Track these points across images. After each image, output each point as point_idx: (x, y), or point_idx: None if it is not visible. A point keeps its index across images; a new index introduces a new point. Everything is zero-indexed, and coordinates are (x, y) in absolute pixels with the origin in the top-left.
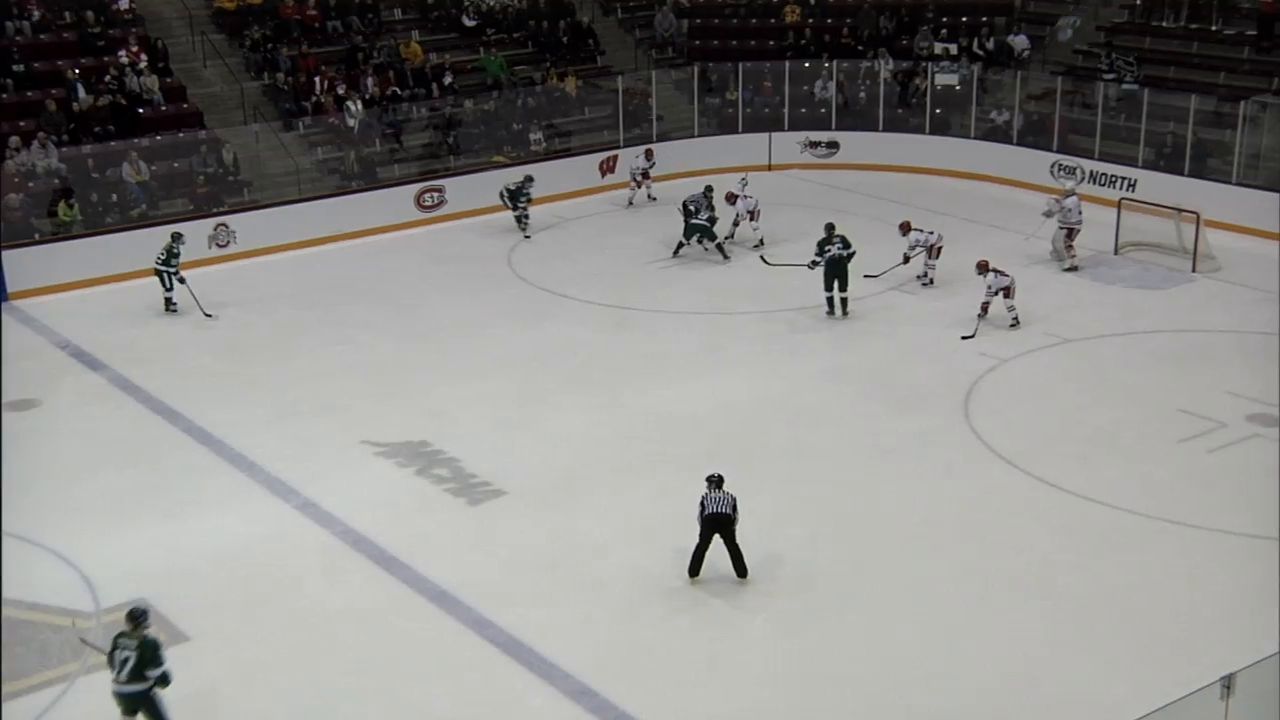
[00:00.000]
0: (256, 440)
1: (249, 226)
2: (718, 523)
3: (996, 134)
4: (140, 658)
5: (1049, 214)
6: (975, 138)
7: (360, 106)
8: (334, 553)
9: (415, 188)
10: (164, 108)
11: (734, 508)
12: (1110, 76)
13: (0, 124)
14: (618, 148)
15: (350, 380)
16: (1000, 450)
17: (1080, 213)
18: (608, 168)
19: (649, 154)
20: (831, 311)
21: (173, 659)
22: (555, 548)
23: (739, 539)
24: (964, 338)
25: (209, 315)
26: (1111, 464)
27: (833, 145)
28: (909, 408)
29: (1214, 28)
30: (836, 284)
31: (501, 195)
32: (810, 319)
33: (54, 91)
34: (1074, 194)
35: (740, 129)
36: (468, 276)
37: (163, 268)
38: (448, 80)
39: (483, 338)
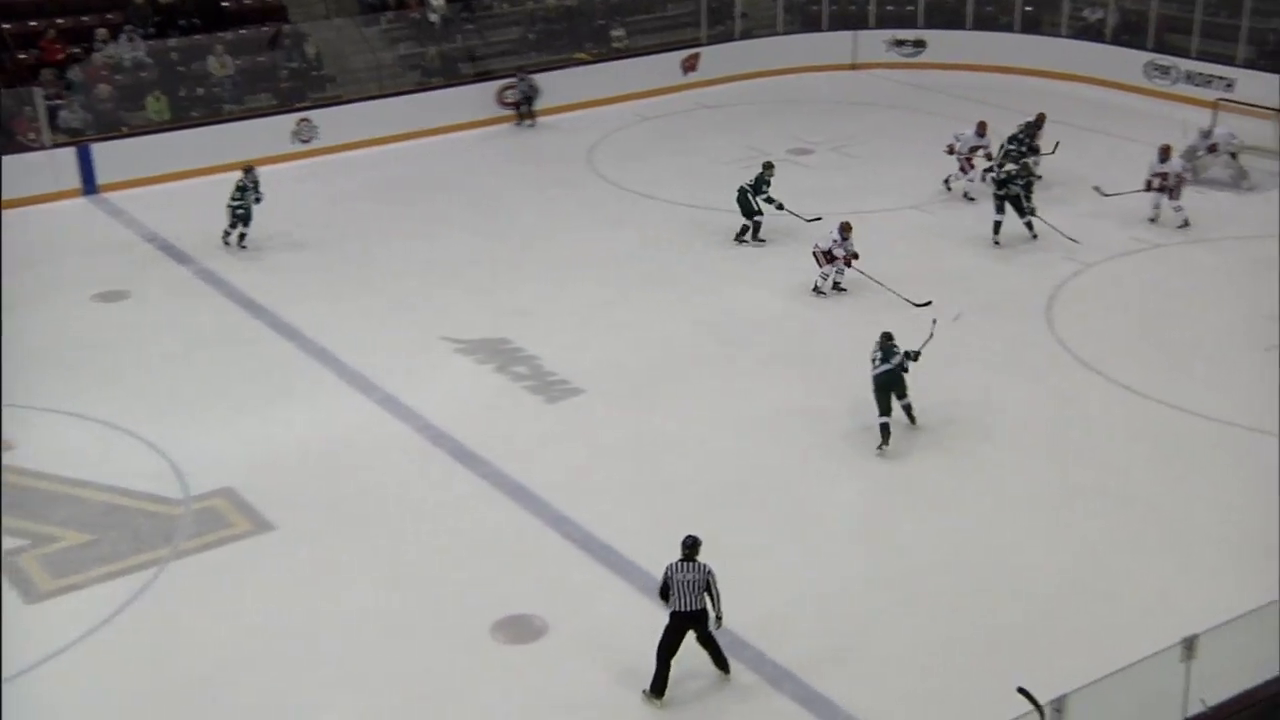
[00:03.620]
0: (339, 335)
1: (331, 122)
2: (690, 621)
3: (1089, 32)
4: (886, 354)
5: (1197, 153)
6: (1067, 36)
7: (443, 1)
8: (414, 447)
9: (497, 84)
10: (247, 1)
11: (709, 586)
12: None
13: (88, 17)
14: (700, 45)
15: (431, 277)
16: (1083, 356)
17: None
18: (690, 65)
19: (981, 128)
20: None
21: (259, 548)
22: (632, 445)
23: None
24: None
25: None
26: (1197, 371)
27: (919, 44)
28: (991, 312)
29: None
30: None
31: (746, 196)
32: (889, 217)
33: None
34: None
35: (824, 26)
36: (549, 175)
37: (235, 204)
38: None
39: (562, 237)
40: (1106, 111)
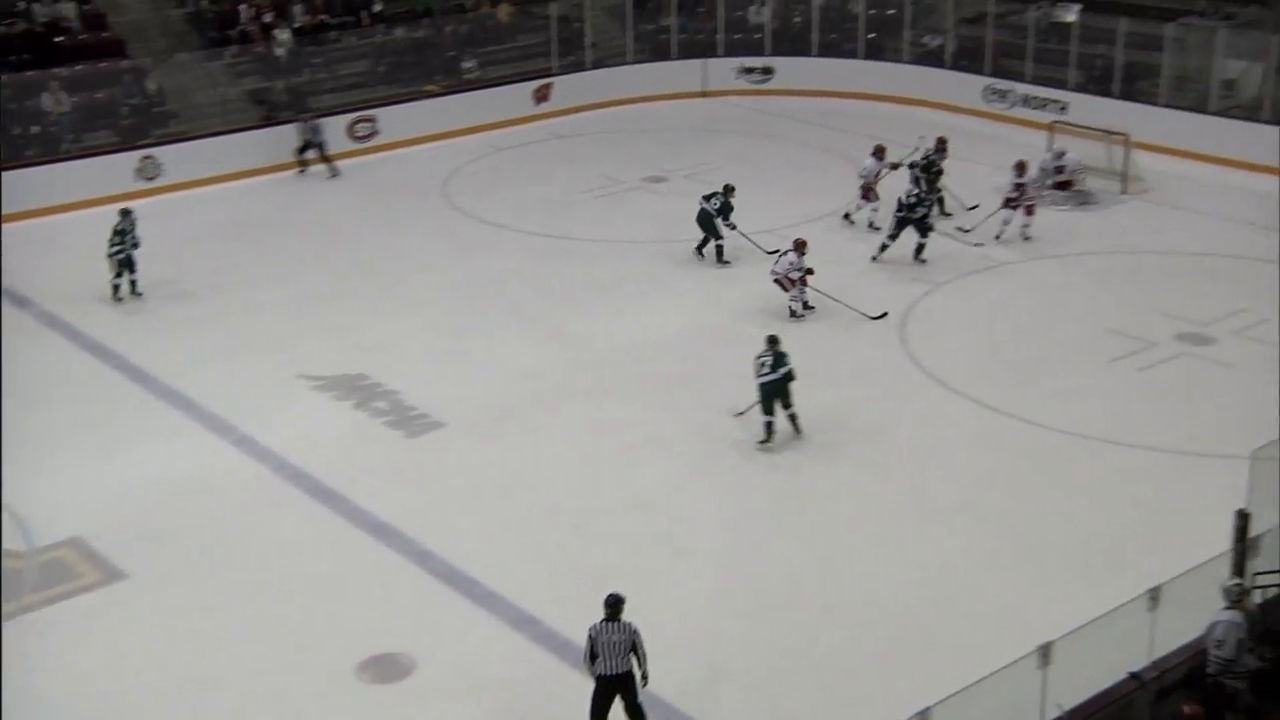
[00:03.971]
0: (190, 376)
1: (176, 159)
2: (617, 685)
3: (930, 58)
4: (776, 360)
5: (1049, 172)
6: (909, 62)
7: (289, 35)
8: (272, 487)
9: (347, 118)
10: (82, 36)
11: (634, 646)
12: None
13: None
14: (551, 75)
15: (285, 314)
16: (936, 373)
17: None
18: (542, 96)
19: (879, 152)
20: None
21: (110, 599)
22: (495, 478)
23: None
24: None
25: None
26: (1044, 384)
27: (767, 71)
28: (844, 332)
29: None
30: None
31: (707, 217)
32: (746, 246)
33: None
34: (1064, 151)
35: (674, 55)
36: (403, 208)
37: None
38: (377, 8)
39: (419, 270)
40: (948, 134)
